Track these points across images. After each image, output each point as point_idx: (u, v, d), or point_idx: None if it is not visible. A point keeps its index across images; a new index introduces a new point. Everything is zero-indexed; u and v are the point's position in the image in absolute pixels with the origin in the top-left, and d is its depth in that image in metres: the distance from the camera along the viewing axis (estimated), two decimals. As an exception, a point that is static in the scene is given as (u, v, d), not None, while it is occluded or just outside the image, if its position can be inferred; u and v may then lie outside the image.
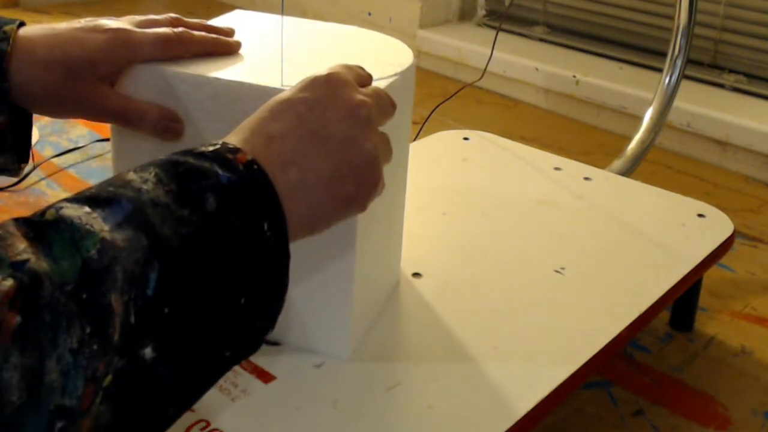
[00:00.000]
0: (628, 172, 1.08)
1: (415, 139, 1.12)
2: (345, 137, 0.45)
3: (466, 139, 1.00)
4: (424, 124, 1.19)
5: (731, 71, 1.46)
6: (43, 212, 0.36)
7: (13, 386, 0.30)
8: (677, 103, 1.14)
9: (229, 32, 0.62)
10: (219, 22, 0.65)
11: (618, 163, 1.09)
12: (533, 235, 0.79)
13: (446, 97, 1.24)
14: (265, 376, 0.56)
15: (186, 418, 0.52)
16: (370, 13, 1.86)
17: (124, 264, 0.35)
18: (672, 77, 1.09)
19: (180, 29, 0.58)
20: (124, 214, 0.36)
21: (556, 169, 0.93)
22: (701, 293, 0.86)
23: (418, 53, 1.78)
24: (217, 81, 0.55)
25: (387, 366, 0.59)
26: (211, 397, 0.54)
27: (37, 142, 1.18)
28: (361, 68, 0.52)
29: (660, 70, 1.11)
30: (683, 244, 0.79)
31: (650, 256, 0.77)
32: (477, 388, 0.57)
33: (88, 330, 0.33)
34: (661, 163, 1.33)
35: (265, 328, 0.41)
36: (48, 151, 1.16)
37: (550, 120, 1.52)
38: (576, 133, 1.46)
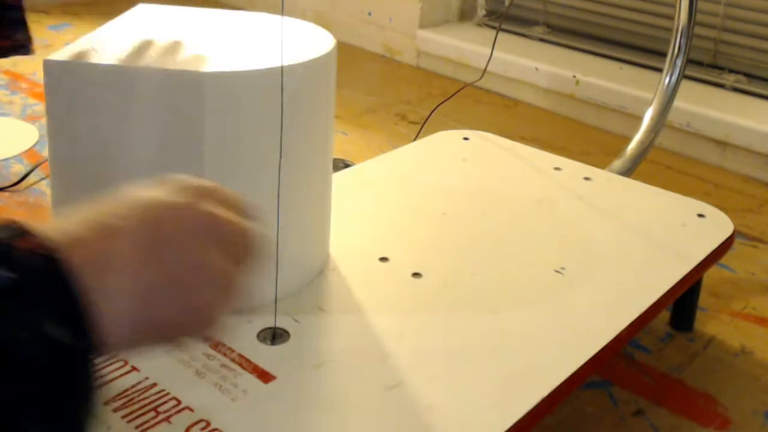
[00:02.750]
0: (628, 172, 1.07)
1: (415, 139, 1.12)
2: (185, 264, 0.39)
3: (466, 139, 1.00)
4: (424, 124, 1.19)
5: (731, 71, 1.46)
6: None
7: None
8: (677, 103, 1.14)
9: None
10: (124, 17, 0.65)
11: (618, 163, 1.09)
12: (533, 235, 0.79)
13: (446, 97, 1.24)
14: (265, 376, 0.56)
15: (186, 418, 0.52)
16: (370, 13, 1.86)
17: None
18: (672, 77, 1.09)
19: None
20: None
21: (556, 169, 0.93)
22: (701, 293, 0.86)
23: (418, 53, 1.78)
24: (128, 70, 0.54)
25: (387, 366, 0.59)
26: (211, 397, 0.54)
27: (37, 142, 1.18)
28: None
29: (660, 70, 1.11)
30: (683, 244, 0.79)
31: (650, 256, 0.77)
32: (477, 388, 0.57)
33: None
34: (661, 163, 1.32)
35: None
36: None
37: (550, 120, 1.52)
38: (576, 133, 1.46)
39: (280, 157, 0.57)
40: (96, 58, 0.54)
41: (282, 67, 0.57)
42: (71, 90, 0.55)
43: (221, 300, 0.42)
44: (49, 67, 0.55)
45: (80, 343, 0.35)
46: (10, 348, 0.32)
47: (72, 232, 0.37)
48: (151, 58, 0.56)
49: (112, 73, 0.54)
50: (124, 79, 0.54)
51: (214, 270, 0.41)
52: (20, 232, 0.34)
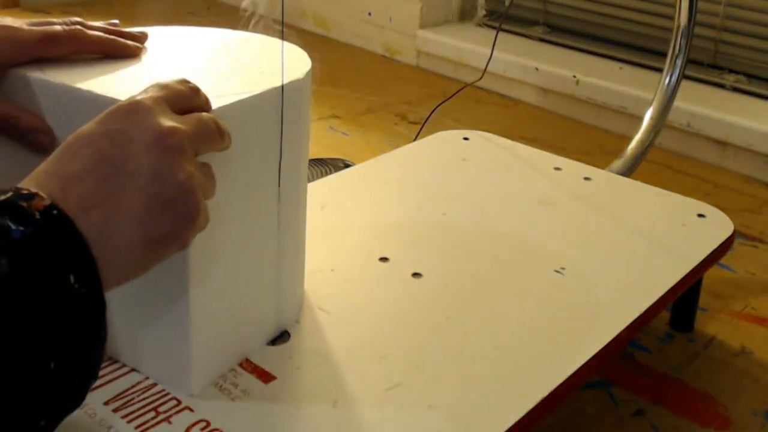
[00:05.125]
0: (628, 172, 1.08)
1: (415, 139, 1.12)
2: (153, 170, 0.41)
3: (466, 139, 1.00)
4: (424, 124, 1.19)
5: (731, 71, 1.46)
6: None
7: None
8: (677, 103, 1.14)
9: (141, 37, 0.58)
10: None
11: (618, 163, 1.09)
12: (533, 235, 0.79)
13: (446, 97, 1.24)
14: (265, 376, 0.56)
15: (186, 418, 0.52)
16: (370, 13, 1.86)
17: None
18: (672, 77, 1.09)
19: (72, 27, 0.54)
20: None
21: (556, 169, 0.93)
22: (701, 293, 0.86)
23: (418, 53, 1.78)
24: (63, 87, 0.50)
25: (387, 366, 0.59)
26: (211, 397, 0.54)
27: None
28: (184, 83, 0.47)
29: (660, 70, 1.11)
30: (683, 244, 0.79)
31: (650, 256, 0.77)
32: (477, 388, 0.57)
33: None
34: (661, 163, 1.33)
35: (86, 383, 0.38)
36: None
37: (550, 120, 1.52)
38: (576, 133, 1.46)
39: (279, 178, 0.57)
40: (53, 76, 0.51)
41: (282, 86, 0.54)
42: (20, 99, 0.52)
43: (205, 192, 0.45)
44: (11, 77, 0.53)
45: (91, 288, 0.37)
46: (31, 295, 0.35)
47: (43, 187, 0.38)
48: (89, 76, 0.52)
49: (45, 88, 0.51)
50: (76, 100, 0.50)
51: (185, 169, 0.42)
52: (25, 193, 0.37)
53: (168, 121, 0.43)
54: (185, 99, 0.46)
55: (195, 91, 0.47)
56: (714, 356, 0.83)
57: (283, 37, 0.63)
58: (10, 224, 0.35)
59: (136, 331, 0.55)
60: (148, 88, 0.45)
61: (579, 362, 0.60)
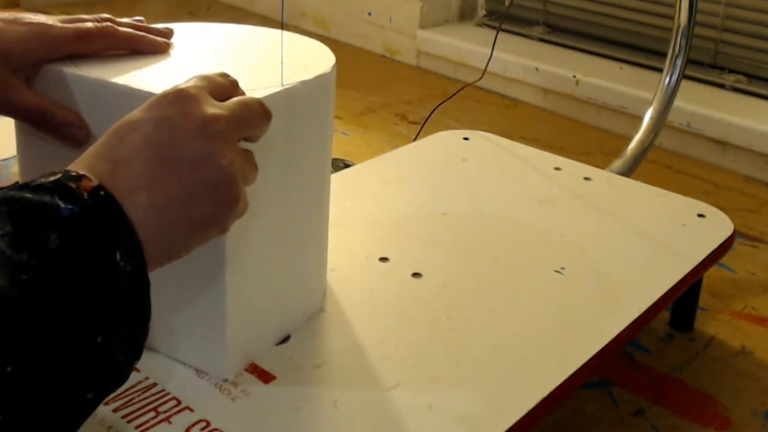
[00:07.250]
0: (628, 172, 1.07)
1: (415, 139, 1.12)
2: (197, 156, 0.42)
3: (466, 139, 1.00)
4: (424, 124, 1.19)
5: (731, 71, 1.46)
6: None
7: None
8: (677, 103, 1.14)
9: (167, 33, 0.60)
10: None
11: (618, 163, 1.09)
12: (533, 235, 0.79)
13: (446, 97, 1.24)
14: (265, 376, 0.56)
15: (186, 418, 0.52)
16: (370, 13, 1.86)
17: None
18: (672, 77, 1.09)
19: (103, 24, 0.55)
20: None
21: (556, 169, 0.93)
22: (701, 293, 0.86)
23: (418, 53, 1.78)
24: (99, 82, 0.52)
25: (387, 366, 0.59)
26: (211, 397, 0.54)
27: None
28: (224, 76, 0.49)
29: (660, 70, 1.11)
30: (683, 244, 0.79)
31: (650, 256, 0.77)
32: (477, 388, 0.57)
33: None
34: (661, 163, 1.33)
35: (131, 359, 0.39)
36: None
37: (550, 120, 1.52)
38: (576, 133, 1.46)
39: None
40: (88, 71, 0.53)
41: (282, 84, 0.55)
42: (54, 94, 0.53)
43: (246, 179, 0.46)
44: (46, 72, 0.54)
45: (136, 266, 0.38)
46: (80, 271, 0.36)
47: (92, 170, 0.40)
48: (123, 71, 0.53)
49: (81, 83, 0.52)
50: (111, 94, 0.52)
51: (227, 155, 0.44)
52: (74, 175, 0.38)
53: (211, 109, 0.44)
54: (226, 91, 0.48)
55: (234, 84, 0.49)
56: (714, 356, 0.83)
57: (282, 35, 0.63)
58: (60, 203, 0.36)
59: (172, 315, 0.55)
60: (190, 79, 0.47)
61: (579, 362, 0.60)
